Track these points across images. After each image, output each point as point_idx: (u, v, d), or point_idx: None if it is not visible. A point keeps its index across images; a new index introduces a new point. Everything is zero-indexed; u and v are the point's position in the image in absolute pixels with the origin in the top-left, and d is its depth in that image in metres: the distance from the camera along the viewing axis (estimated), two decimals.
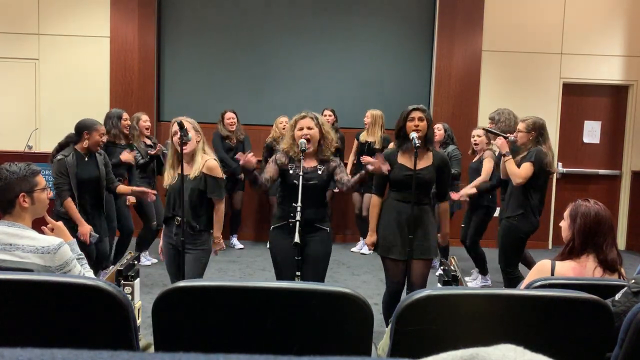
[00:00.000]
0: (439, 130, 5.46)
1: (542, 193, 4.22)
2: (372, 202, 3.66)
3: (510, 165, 4.15)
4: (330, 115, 6.45)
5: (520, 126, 4.23)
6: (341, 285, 1.67)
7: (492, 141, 5.08)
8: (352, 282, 5.28)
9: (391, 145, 3.66)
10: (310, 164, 3.33)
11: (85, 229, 3.94)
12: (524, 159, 4.14)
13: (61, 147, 4.16)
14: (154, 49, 6.93)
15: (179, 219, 3.35)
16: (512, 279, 4.20)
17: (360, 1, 7.09)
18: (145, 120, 5.53)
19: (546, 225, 6.95)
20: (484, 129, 4.97)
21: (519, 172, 4.09)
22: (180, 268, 3.40)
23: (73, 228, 3.88)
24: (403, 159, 3.51)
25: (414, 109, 3.48)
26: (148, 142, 5.57)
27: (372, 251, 3.79)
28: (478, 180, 5.03)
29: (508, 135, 4.36)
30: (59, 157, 4.03)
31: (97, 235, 4.01)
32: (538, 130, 4.16)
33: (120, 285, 2.87)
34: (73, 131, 4.19)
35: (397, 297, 3.57)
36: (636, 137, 7.16)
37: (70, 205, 3.97)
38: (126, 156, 4.96)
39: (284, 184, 3.39)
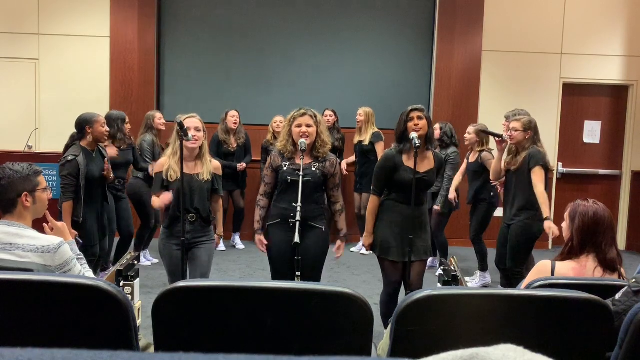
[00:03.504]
0: (434, 129, 5.46)
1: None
2: (370, 203, 3.63)
3: (545, 208, 4.06)
4: (331, 116, 6.46)
5: (517, 125, 4.17)
6: (341, 285, 1.67)
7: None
8: (352, 282, 5.28)
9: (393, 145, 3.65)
10: (304, 161, 3.30)
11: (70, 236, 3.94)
12: (528, 163, 4.11)
13: (67, 147, 4.13)
14: (154, 49, 6.94)
15: (194, 215, 3.42)
16: (518, 280, 4.19)
17: (361, 1, 7.09)
18: (159, 117, 5.51)
19: None
20: (480, 130, 4.96)
21: (540, 187, 4.06)
22: (188, 266, 3.47)
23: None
24: (409, 162, 3.48)
25: (413, 110, 3.48)
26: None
27: (369, 252, 3.79)
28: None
29: (501, 134, 4.34)
30: (69, 157, 3.99)
31: (82, 242, 3.92)
32: (534, 129, 4.16)
33: (120, 285, 2.87)
34: (74, 130, 4.18)
35: (394, 296, 3.59)
36: (636, 137, 7.16)
37: (69, 209, 3.97)
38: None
39: (279, 181, 3.40)
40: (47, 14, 6.86)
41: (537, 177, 4.08)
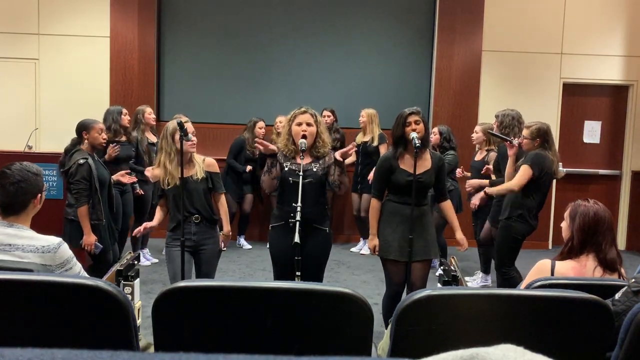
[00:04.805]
0: (434, 134, 5.44)
1: (542, 196, 4.22)
2: (371, 206, 3.64)
3: (499, 189, 4.23)
4: (329, 116, 6.45)
5: (525, 133, 4.20)
6: (341, 285, 1.67)
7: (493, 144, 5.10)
8: (352, 282, 5.28)
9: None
10: (304, 161, 3.29)
11: (91, 239, 3.88)
12: (522, 162, 4.13)
13: (67, 152, 4.06)
14: (154, 49, 6.93)
15: (198, 216, 3.43)
16: (507, 279, 4.21)
17: (361, 2, 7.09)
18: (150, 112, 5.56)
19: (546, 226, 6.95)
20: (489, 132, 4.92)
21: (514, 182, 4.11)
22: (194, 268, 3.49)
23: (80, 236, 3.88)
24: (404, 164, 3.50)
25: (410, 114, 3.48)
26: (152, 138, 5.54)
27: (376, 254, 3.75)
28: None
29: (512, 139, 4.33)
30: (81, 160, 3.88)
31: (102, 246, 3.93)
32: (543, 137, 4.14)
33: (120, 285, 2.87)
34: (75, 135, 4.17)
35: (397, 298, 3.57)
36: (636, 137, 7.16)
37: (85, 213, 3.88)
38: (109, 152, 4.85)
39: (281, 182, 3.39)
40: (47, 14, 6.86)
41: (520, 173, 4.08)
